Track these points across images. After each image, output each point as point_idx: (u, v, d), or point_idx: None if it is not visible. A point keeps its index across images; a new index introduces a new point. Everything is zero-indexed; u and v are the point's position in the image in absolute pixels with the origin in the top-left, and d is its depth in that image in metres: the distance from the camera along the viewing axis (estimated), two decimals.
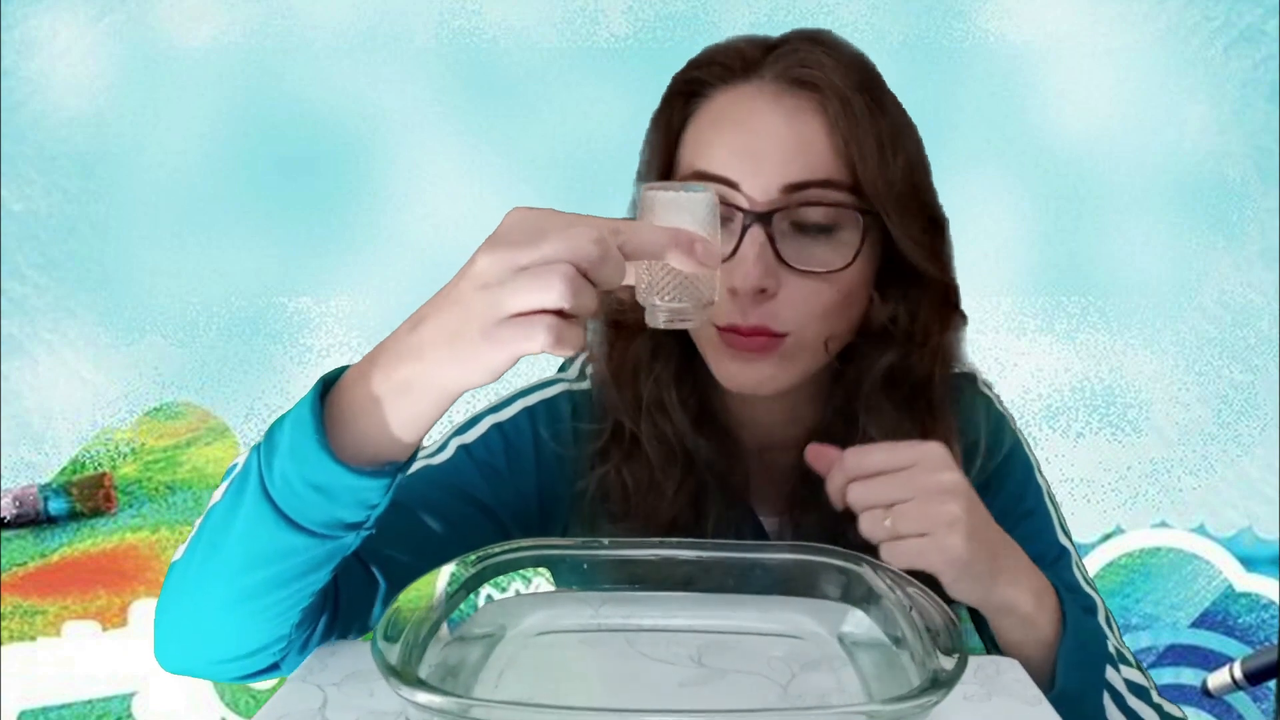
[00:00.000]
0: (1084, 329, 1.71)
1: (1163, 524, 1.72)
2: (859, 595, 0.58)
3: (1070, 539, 0.76)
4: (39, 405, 1.69)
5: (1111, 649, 0.64)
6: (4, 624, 1.65)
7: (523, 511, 0.74)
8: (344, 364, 0.55)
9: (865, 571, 0.57)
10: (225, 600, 0.56)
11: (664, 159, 0.70)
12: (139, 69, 1.67)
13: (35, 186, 1.67)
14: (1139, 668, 0.67)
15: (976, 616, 0.70)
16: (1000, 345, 1.66)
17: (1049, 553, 0.61)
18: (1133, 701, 0.63)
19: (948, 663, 0.45)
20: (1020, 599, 0.60)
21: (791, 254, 0.64)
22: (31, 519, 1.66)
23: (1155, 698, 0.65)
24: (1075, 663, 0.60)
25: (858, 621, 0.57)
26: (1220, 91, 1.67)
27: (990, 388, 0.80)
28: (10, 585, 1.66)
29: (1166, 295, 1.70)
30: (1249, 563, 1.71)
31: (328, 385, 0.54)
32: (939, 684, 0.43)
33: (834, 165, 0.64)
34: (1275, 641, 1.70)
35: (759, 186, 0.63)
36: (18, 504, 1.65)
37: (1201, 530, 1.72)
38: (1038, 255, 1.69)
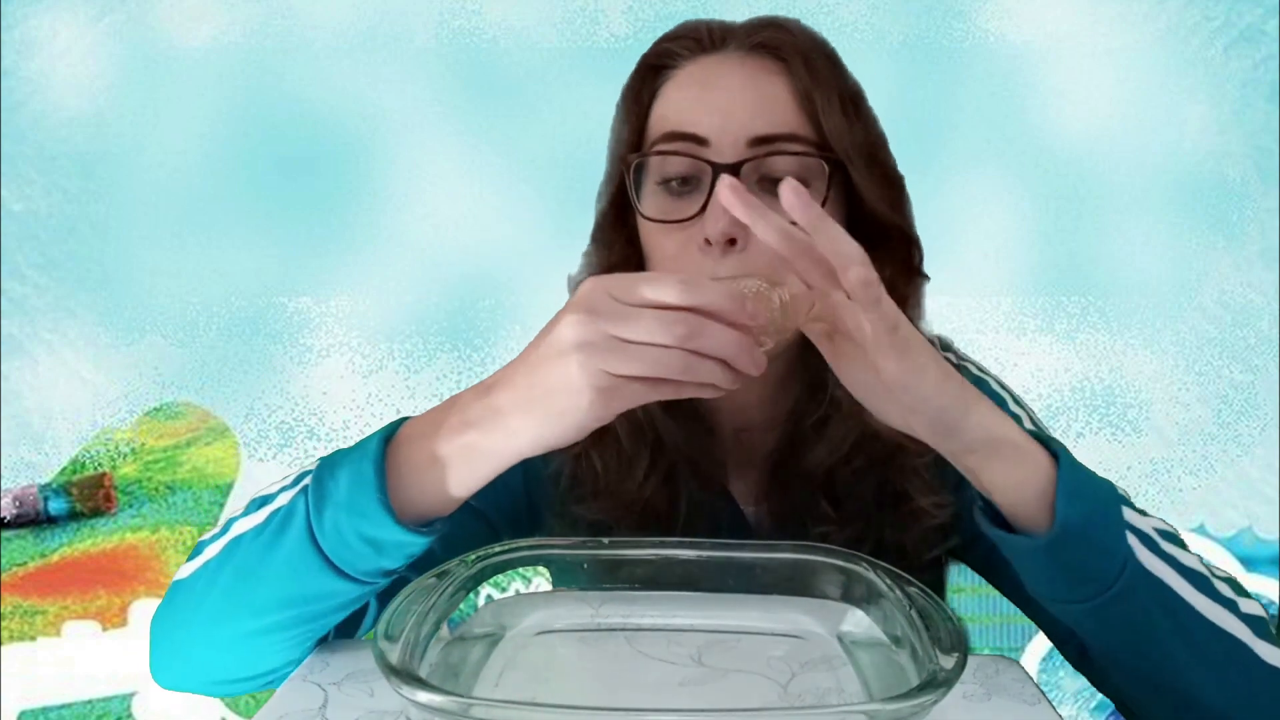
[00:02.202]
0: (1084, 329, 1.71)
1: None
2: (859, 595, 0.58)
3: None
4: (39, 405, 1.69)
5: (1127, 497, 0.58)
6: (4, 624, 1.65)
7: (512, 508, 0.74)
8: (401, 417, 0.56)
9: (865, 571, 0.57)
10: (250, 631, 0.57)
11: (634, 130, 0.71)
12: (139, 69, 1.68)
13: (35, 186, 1.67)
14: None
15: (967, 556, 0.68)
16: (1000, 345, 1.66)
17: None
18: (1169, 547, 0.55)
19: (947, 662, 0.45)
20: (1005, 425, 0.54)
21: None
22: (31, 519, 1.66)
23: (1193, 551, 0.58)
24: (1077, 490, 0.53)
25: (857, 621, 0.57)
26: (1220, 91, 1.67)
27: (948, 348, 0.80)
28: (10, 585, 1.66)
29: (1166, 295, 1.70)
30: (1249, 563, 1.71)
31: (385, 440, 0.54)
32: (938, 683, 0.43)
33: (799, 121, 0.66)
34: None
35: (726, 141, 0.65)
36: (18, 504, 1.65)
37: (1201, 530, 1.72)
38: (1038, 255, 1.69)
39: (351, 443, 0.56)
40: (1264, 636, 0.55)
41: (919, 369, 0.51)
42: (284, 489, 0.57)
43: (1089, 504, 0.53)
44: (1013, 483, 0.54)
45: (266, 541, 0.55)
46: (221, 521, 0.61)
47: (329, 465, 0.55)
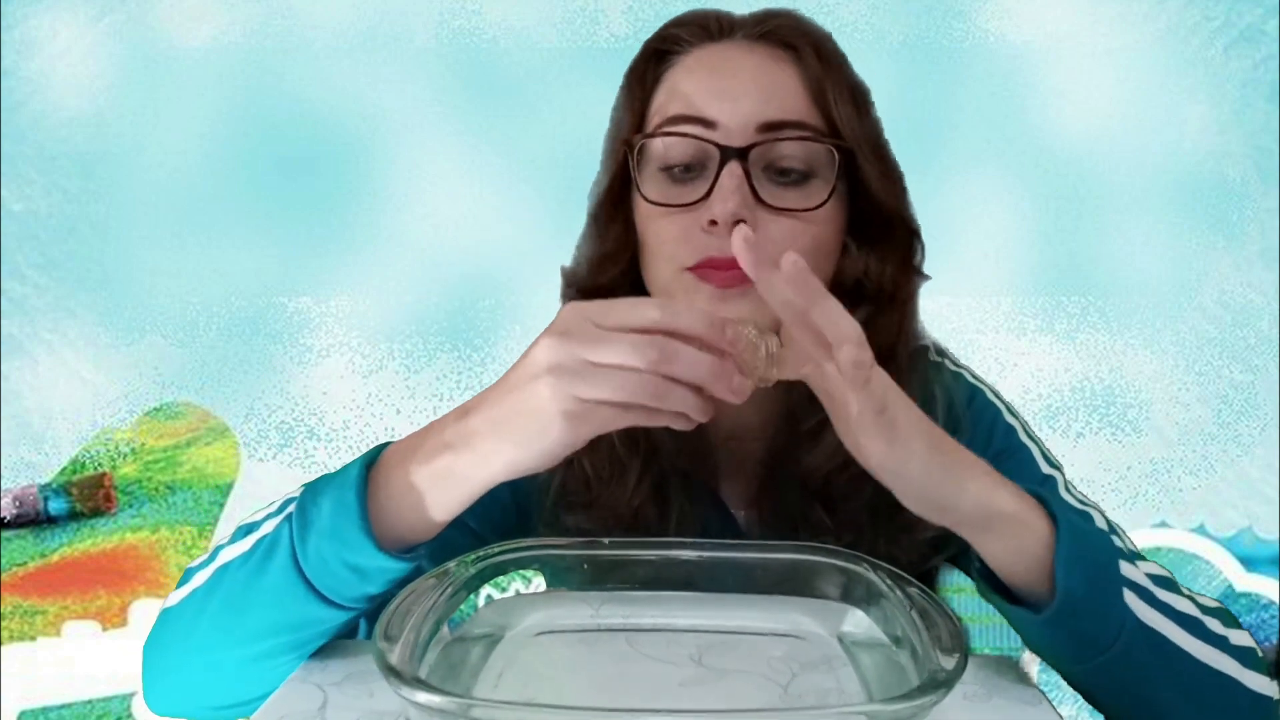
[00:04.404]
0: (1084, 329, 1.71)
1: (1163, 524, 1.72)
2: (859, 595, 0.58)
3: (1057, 468, 0.74)
4: (39, 405, 1.69)
5: (1121, 546, 0.58)
6: (4, 624, 1.65)
7: (500, 519, 0.74)
8: (384, 442, 0.57)
9: (865, 571, 0.57)
10: (239, 658, 0.57)
11: (637, 115, 0.70)
12: (139, 69, 1.68)
13: (35, 186, 1.67)
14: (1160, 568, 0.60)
15: (963, 562, 0.68)
16: (1000, 345, 1.66)
17: (1032, 484, 0.58)
18: (1163, 594, 0.56)
19: (947, 662, 0.45)
20: (999, 498, 0.53)
21: (767, 196, 0.64)
22: (31, 519, 1.66)
23: (1184, 590, 0.58)
24: (1077, 558, 0.53)
25: (858, 621, 0.57)
26: (1220, 91, 1.67)
27: (943, 354, 0.79)
28: (10, 585, 1.66)
29: (1166, 295, 1.70)
30: (1249, 563, 1.71)
31: (367, 466, 0.55)
32: (938, 684, 0.43)
33: (808, 110, 0.66)
34: (1275, 641, 1.70)
35: (736, 124, 0.64)
36: (18, 504, 1.65)
37: (1201, 530, 1.72)
38: (1038, 255, 1.69)
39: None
40: (1252, 666, 0.56)
41: (905, 454, 0.51)
42: (269, 516, 0.58)
43: (1088, 572, 0.53)
44: (1010, 553, 0.54)
45: (252, 570, 0.55)
46: (210, 548, 0.61)
47: (312, 492, 0.55)
